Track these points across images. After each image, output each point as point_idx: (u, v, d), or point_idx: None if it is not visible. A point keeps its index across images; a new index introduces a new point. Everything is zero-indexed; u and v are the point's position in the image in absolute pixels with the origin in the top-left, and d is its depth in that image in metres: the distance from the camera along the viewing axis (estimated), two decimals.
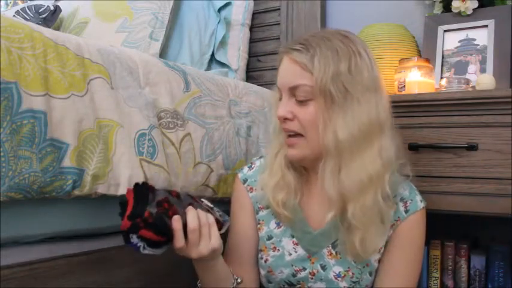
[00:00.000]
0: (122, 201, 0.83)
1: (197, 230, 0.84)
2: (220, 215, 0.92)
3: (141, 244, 0.80)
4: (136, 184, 0.83)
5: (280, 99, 0.98)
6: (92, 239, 0.98)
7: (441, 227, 1.35)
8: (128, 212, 0.79)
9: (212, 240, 0.86)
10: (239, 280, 0.98)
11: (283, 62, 0.97)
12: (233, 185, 1.13)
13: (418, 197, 1.02)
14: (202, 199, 0.94)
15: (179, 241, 0.83)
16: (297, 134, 0.95)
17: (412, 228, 1.00)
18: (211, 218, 0.87)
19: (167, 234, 0.81)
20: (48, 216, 0.88)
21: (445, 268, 1.28)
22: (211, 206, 0.92)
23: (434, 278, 1.28)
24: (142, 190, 0.82)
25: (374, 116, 0.92)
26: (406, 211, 1.00)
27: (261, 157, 1.12)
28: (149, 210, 0.79)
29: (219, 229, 0.89)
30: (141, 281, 1.05)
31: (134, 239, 0.79)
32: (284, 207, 0.99)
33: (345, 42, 0.93)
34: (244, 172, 1.10)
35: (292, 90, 0.94)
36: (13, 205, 0.80)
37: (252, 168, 1.10)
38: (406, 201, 1.00)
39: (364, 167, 0.91)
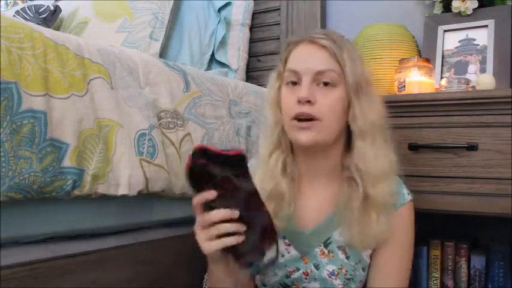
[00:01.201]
0: None
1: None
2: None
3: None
4: None
5: (294, 83, 0.96)
6: (92, 239, 0.98)
7: (441, 227, 1.35)
8: None
9: None
10: None
11: (302, 48, 0.98)
12: None
13: (405, 190, 1.03)
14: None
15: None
16: (311, 119, 0.94)
17: (401, 220, 1.01)
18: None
19: None
20: (48, 216, 0.88)
21: (445, 268, 1.27)
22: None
23: (434, 278, 1.28)
24: None
25: (383, 106, 1.00)
26: (395, 204, 1.01)
27: (249, 159, 1.12)
28: None
29: None
30: (141, 281, 1.05)
31: None
32: (275, 217, 0.97)
33: (354, 46, 1.02)
34: None
35: (318, 75, 0.95)
36: (13, 205, 0.80)
37: None
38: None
39: (391, 148, 0.99)
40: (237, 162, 0.76)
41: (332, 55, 0.95)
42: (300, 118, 0.94)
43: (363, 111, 0.96)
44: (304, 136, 0.95)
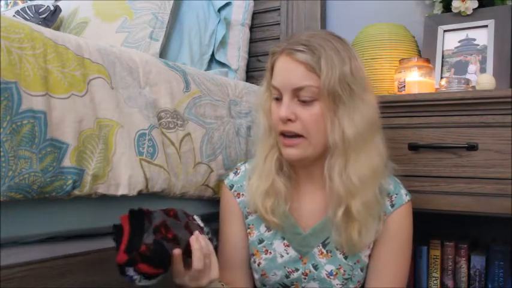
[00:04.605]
0: (116, 225, 0.80)
1: (202, 270, 0.83)
2: (209, 237, 0.90)
3: (137, 277, 0.78)
4: (132, 211, 0.80)
5: (278, 98, 0.97)
6: (92, 239, 0.98)
7: (441, 227, 1.35)
8: (123, 245, 0.77)
9: (212, 271, 0.85)
10: None
11: (281, 62, 0.96)
12: (220, 192, 1.13)
13: (403, 191, 1.03)
14: (194, 216, 0.91)
15: (178, 274, 0.82)
16: (297, 135, 0.95)
17: (399, 221, 1.01)
18: (211, 247, 0.86)
19: (165, 266, 0.80)
20: (48, 216, 0.88)
21: (445, 268, 1.27)
22: (202, 225, 0.90)
23: (434, 278, 1.28)
24: (138, 218, 0.79)
25: (374, 114, 0.96)
26: (392, 205, 1.01)
27: (245, 162, 1.12)
28: (145, 243, 0.77)
29: None
30: None
31: (130, 272, 0.77)
32: (273, 214, 1.00)
33: (342, 44, 0.96)
34: (230, 178, 1.10)
35: (297, 91, 0.93)
36: (13, 205, 0.80)
37: (238, 174, 1.10)
38: (391, 196, 1.02)
39: (368, 162, 0.94)
40: (137, 221, 0.80)
41: (309, 68, 0.92)
42: (285, 134, 0.95)
43: (337, 125, 0.92)
44: (289, 153, 0.96)
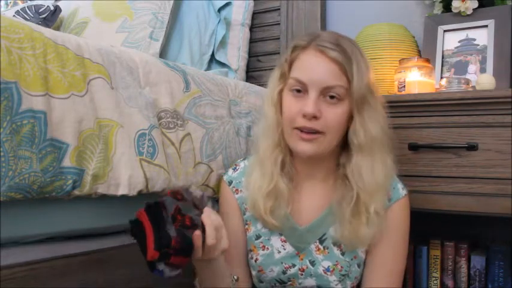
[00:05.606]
0: (133, 220, 0.80)
1: (215, 244, 0.83)
2: (212, 205, 0.90)
3: (167, 270, 0.78)
4: (149, 205, 0.80)
5: (299, 90, 0.96)
6: (92, 239, 0.98)
7: (441, 227, 1.35)
8: (151, 243, 0.77)
9: (223, 242, 0.85)
10: (236, 277, 0.98)
11: (311, 56, 0.95)
12: (220, 188, 1.13)
13: (400, 185, 1.04)
14: (190, 190, 0.89)
15: (198, 255, 0.82)
16: (316, 132, 0.95)
17: (396, 215, 1.01)
18: (220, 219, 0.86)
19: (191, 253, 0.81)
20: (48, 216, 0.88)
21: (445, 268, 1.28)
22: (202, 193, 0.89)
23: (434, 278, 1.28)
24: (156, 211, 0.79)
25: (385, 117, 1.00)
26: (389, 200, 1.01)
27: (244, 159, 1.13)
28: (173, 236, 0.77)
29: None
30: (141, 281, 1.05)
31: (161, 266, 0.78)
32: (272, 215, 1.00)
33: (362, 50, 1.00)
34: (229, 174, 1.10)
35: (326, 90, 0.94)
36: (13, 205, 0.80)
37: (237, 170, 1.10)
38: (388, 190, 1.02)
39: (388, 160, 0.98)
40: (156, 214, 0.80)
41: (341, 69, 0.93)
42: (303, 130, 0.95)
43: (365, 126, 0.95)
44: (305, 148, 0.96)
